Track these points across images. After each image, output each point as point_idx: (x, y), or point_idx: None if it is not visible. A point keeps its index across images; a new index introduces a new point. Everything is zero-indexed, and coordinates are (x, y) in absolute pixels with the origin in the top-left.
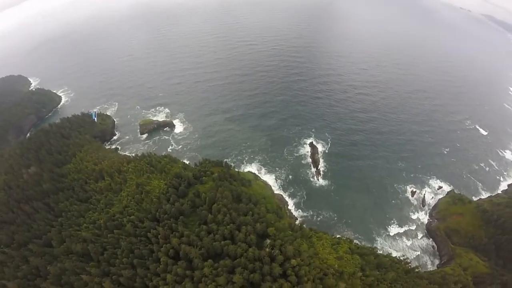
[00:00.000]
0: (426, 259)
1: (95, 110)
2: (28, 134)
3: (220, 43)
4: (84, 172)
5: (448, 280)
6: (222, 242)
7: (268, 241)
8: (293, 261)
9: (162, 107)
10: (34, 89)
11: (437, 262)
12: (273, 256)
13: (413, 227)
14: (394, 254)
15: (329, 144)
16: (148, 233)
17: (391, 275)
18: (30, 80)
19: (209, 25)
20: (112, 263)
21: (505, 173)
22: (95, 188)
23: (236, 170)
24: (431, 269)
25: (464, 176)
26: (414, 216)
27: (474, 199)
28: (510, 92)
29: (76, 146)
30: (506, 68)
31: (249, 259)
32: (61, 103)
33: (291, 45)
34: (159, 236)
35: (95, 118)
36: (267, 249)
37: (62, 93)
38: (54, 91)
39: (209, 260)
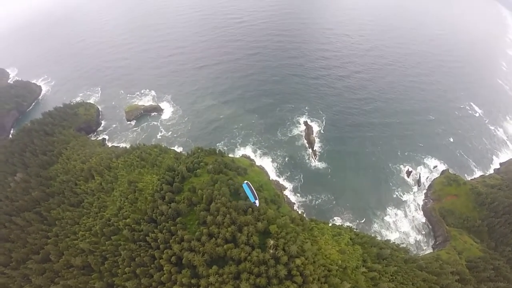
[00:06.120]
0: (422, 238)
1: (245, 181)
2: (12, 131)
3: (204, 21)
4: (72, 173)
5: (445, 269)
6: (225, 246)
7: (272, 241)
8: (297, 261)
9: (147, 90)
10: (12, 82)
11: (432, 242)
12: (277, 257)
13: (409, 208)
14: (392, 237)
15: (324, 123)
16: (146, 237)
17: (393, 269)
18: (7, 71)
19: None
20: (115, 273)
21: (497, 151)
22: (86, 190)
23: (231, 156)
24: (427, 250)
25: (458, 154)
26: (410, 197)
27: (467, 177)
28: (503, 68)
29: (61, 143)
30: (498, 40)
31: (254, 263)
32: (42, 94)
33: (282, 19)
34: (158, 241)
35: (257, 202)
36: (271, 251)
37: (43, 82)
38: (34, 81)
39: (214, 267)
